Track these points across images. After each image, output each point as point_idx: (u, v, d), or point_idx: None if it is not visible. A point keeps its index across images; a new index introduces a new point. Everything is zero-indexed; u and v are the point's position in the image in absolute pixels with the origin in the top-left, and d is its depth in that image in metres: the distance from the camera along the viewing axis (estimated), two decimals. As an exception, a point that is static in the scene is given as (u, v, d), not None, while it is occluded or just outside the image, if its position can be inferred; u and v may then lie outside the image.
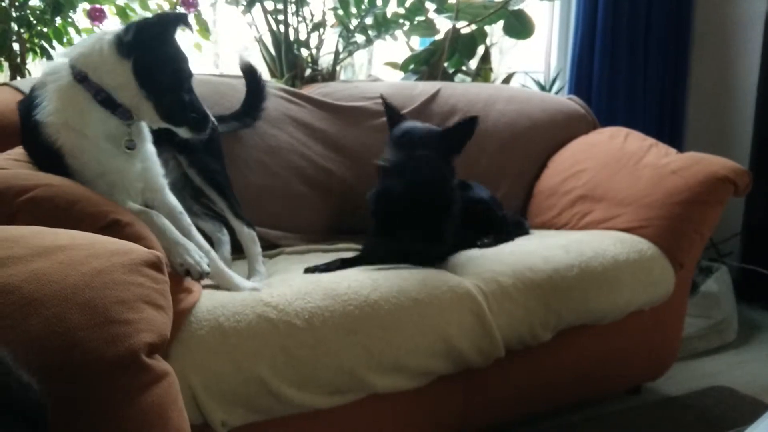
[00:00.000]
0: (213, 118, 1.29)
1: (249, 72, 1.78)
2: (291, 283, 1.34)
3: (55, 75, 1.20)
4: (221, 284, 1.32)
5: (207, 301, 1.22)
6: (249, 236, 1.54)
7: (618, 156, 1.95)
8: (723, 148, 2.64)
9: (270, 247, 1.75)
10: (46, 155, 1.18)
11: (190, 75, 1.26)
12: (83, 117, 1.18)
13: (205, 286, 1.30)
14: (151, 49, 1.19)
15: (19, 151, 1.31)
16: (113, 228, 1.04)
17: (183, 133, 1.27)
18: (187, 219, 1.34)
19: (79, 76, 1.18)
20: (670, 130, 2.86)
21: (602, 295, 1.61)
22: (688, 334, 2.15)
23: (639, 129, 2.12)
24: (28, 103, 1.21)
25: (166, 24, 1.22)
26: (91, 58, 1.19)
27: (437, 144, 1.52)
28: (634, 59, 2.77)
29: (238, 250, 1.57)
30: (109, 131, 1.21)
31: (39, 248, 0.73)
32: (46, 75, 1.21)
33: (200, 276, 1.21)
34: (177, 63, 1.24)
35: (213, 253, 1.34)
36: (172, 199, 1.34)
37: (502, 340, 1.44)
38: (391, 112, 1.64)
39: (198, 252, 1.23)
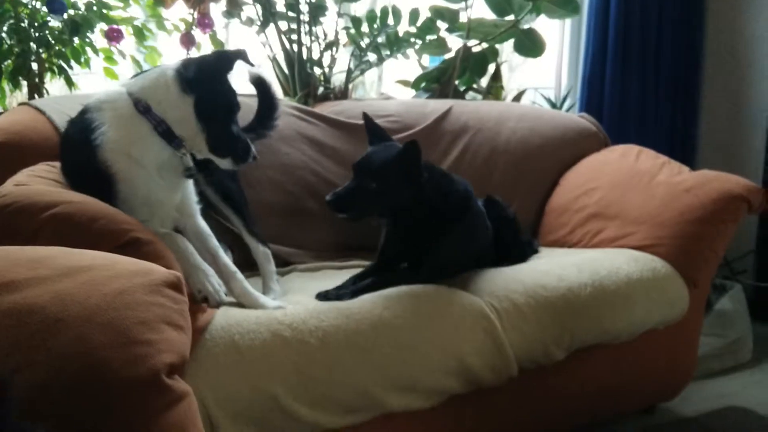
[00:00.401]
0: (254, 150, 1.33)
1: (259, 84, 1.80)
2: (305, 302, 1.34)
3: (113, 103, 1.23)
4: (247, 304, 1.32)
5: (222, 319, 1.22)
6: (263, 254, 1.55)
7: (630, 174, 1.95)
8: (735, 166, 2.63)
9: (282, 264, 1.76)
10: (95, 177, 1.20)
11: (238, 108, 1.31)
12: (143, 147, 1.22)
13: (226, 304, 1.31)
14: (211, 86, 1.24)
15: (41, 168, 1.33)
16: (133, 246, 1.05)
17: (225, 164, 1.30)
18: (214, 242, 1.36)
19: (142, 107, 1.21)
20: (681, 148, 2.85)
21: (616, 314, 1.60)
22: (703, 354, 2.12)
23: (650, 147, 2.11)
24: (81, 125, 1.23)
25: (225, 62, 1.28)
26: (155, 91, 1.23)
27: (389, 172, 1.45)
28: (645, 76, 2.77)
29: (251, 267, 1.58)
30: (162, 162, 1.25)
31: (63, 269, 0.74)
32: (103, 102, 1.24)
33: (217, 304, 1.22)
34: (230, 98, 1.29)
35: (239, 274, 1.35)
36: (202, 223, 1.37)
37: (515, 359, 1.44)
38: (372, 130, 1.59)
39: (217, 280, 1.25)
